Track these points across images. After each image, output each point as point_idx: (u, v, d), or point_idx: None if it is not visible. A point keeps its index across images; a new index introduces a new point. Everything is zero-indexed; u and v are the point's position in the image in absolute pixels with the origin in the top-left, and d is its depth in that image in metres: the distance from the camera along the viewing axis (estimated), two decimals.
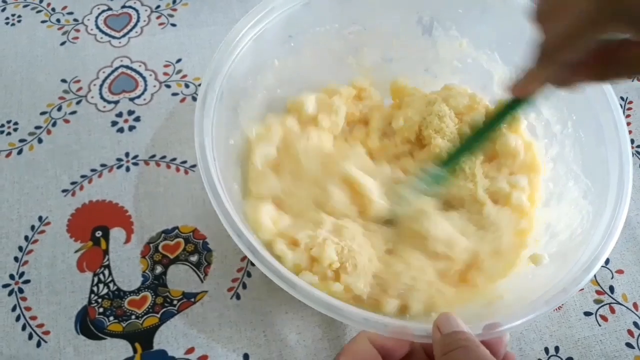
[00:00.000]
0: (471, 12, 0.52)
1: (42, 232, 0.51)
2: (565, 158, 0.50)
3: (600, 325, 0.49)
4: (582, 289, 0.50)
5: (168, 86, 0.61)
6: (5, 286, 0.49)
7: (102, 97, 0.59)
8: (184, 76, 0.61)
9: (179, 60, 0.62)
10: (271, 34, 0.50)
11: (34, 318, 0.47)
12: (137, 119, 0.58)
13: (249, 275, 0.50)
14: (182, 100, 0.60)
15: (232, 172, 0.47)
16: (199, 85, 0.60)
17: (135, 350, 0.46)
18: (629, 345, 0.48)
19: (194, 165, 0.55)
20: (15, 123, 0.57)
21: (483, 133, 0.43)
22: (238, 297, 0.49)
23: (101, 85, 0.60)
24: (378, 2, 0.53)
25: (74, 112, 0.58)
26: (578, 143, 0.49)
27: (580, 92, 0.46)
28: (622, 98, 0.61)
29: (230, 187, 0.45)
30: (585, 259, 0.40)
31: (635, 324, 0.49)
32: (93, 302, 0.48)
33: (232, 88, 0.47)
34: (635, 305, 0.50)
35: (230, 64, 0.47)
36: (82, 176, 0.54)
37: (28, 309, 0.48)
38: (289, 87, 0.53)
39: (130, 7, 0.67)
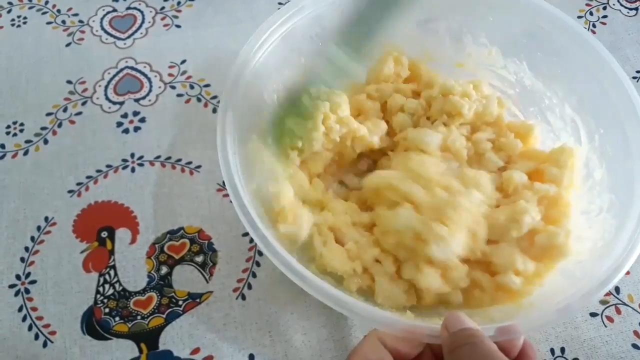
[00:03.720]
0: (501, 21, 0.52)
1: (48, 232, 0.51)
2: (591, 172, 0.49)
3: (606, 327, 0.48)
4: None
5: (173, 87, 0.61)
6: (11, 286, 0.49)
7: (107, 98, 0.60)
8: (189, 77, 0.61)
9: (183, 61, 0.63)
10: (299, 32, 0.50)
11: (40, 318, 0.48)
12: (143, 120, 0.58)
13: (254, 275, 0.50)
14: (187, 101, 0.60)
15: (250, 168, 0.47)
16: (204, 86, 0.61)
17: (141, 351, 0.46)
18: (635, 346, 0.48)
19: (199, 166, 0.55)
20: (21, 124, 0.58)
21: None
22: (243, 297, 0.49)
23: (106, 86, 0.61)
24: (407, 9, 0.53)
25: (79, 113, 0.59)
26: (604, 157, 0.48)
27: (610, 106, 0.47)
28: None
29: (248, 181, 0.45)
30: (604, 270, 0.39)
31: None
32: (99, 302, 0.48)
33: (258, 83, 0.48)
34: None
35: (257, 60, 0.47)
36: (88, 177, 0.55)
37: (34, 309, 0.48)
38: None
39: (135, 8, 0.67)
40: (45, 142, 0.57)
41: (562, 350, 0.47)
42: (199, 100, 0.60)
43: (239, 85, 0.46)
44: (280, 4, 0.67)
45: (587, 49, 0.49)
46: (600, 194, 0.47)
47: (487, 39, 0.54)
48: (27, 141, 0.57)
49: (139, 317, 0.48)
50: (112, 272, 0.50)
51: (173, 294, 0.49)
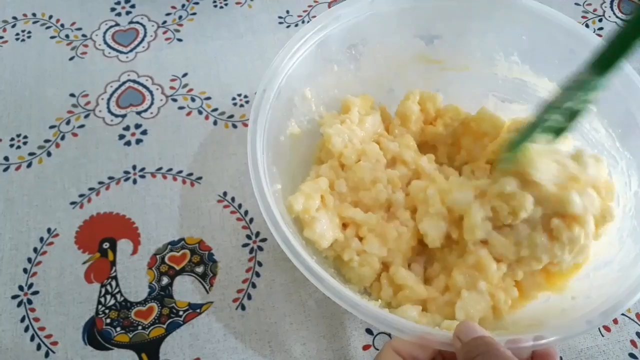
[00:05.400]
0: (534, 40, 0.52)
1: (51, 243, 0.52)
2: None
3: (603, 336, 0.49)
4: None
5: (174, 100, 0.62)
6: (14, 297, 0.49)
7: (109, 111, 0.60)
8: (190, 90, 0.62)
9: (185, 75, 0.63)
10: (334, 40, 0.51)
11: (42, 329, 0.48)
12: (144, 133, 0.59)
13: (254, 286, 0.50)
14: (188, 114, 0.61)
15: (278, 167, 0.48)
16: (205, 99, 0.61)
17: None
18: (632, 355, 0.48)
19: (200, 178, 0.56)
20: (25, 137, 0.58)
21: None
22: (243, 308, 0.49)
23: (109, 99, 0.61)
24: (440, 22, 0.54)
25: (82, 126, 0.59)
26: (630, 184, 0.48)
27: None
28: None
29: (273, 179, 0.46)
30: (626, 287, 0.39)
31: (638, 334, 0.49)
32: (100, 313, 0.49)
33: (290, 87, 0.49)
34: (638, 315, 0.50)
35: (291, 65, 0.48)
36: (90, 189, 0.55)
37: (36, 319, 0.48)
38: (345, 92, 0.54)
39: (137, 22, 0.68)
40: (49, 154, 0.57)
41: (560, 359, 0.48)
42: (200, 112, 0.61)
43: (272, 89, 0.46)
44: (280, 17, 0.69)
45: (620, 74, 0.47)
46: (624, 220, 0.47)
47: (519, 57, 0.54)
48: (30, 154, 0.57)
49: (139, 328, 0.48)
50: (113, 283, 0.50)
51: (174, 304, 0.49)
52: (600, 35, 0.68)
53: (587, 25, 0.69)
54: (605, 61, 0.39)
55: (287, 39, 0.49)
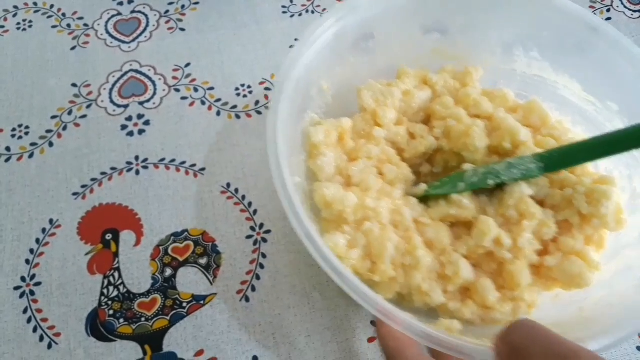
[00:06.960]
0: (556, 37, 0.51)
1: (53, 234, 0.52)
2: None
3: None
4: None
5: (177, 90, 0.61)
6: (16, 288, 0.49)
7: (112, 101, 0.60)
8: (193, 80, 0.62)
9: (187, 65, 0.63)
10: (350, 31, 0.50)
11: (45, 320, 0.48)
12: (147, 123, 0.59)
13: (258, 278, 0.50)
14: (191, 104, 0.60)
15: (295, 159, 0.47)
16: (208, 89, 0.61)
17: (145, 353, 0.47)
18: (639, 348, 0.47)
19: (203, 169, 0.56)
20: (27, 127, 0.58)
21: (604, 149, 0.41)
22: (247, 299, 0.49)
23: (111, 90, 0.61)
24: (461, 16, 0.53)
25: (84, 116, 0.59)
26: None
27: None
28: None
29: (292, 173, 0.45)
30: None
31: None
32: (103, 304, 0.49)
33: (308, 78, 0.48)
34: None
35: (308, 55, 0.47)
36: (93, 179, 0.55)
37: (39, 311, 0.48)
38: (361, 84, 0.53)
39: (139, 12, 0.68)
40: (51, 144, 0.57)
41: None
42: (203, 103, 0.60)
43: (291, 80, 0.45)
44: (283, 7, 0.68)
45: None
46: None
47: (539, 54, 0.53)
48: (32, 144, 0.57)
49: (143, 319, 0.48)
50: (116, 274, 0.50)
51: (177, 296, 0.49)
52: None
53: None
54: (554, 164, 0.44)
55: (291, 29, 0.48)
